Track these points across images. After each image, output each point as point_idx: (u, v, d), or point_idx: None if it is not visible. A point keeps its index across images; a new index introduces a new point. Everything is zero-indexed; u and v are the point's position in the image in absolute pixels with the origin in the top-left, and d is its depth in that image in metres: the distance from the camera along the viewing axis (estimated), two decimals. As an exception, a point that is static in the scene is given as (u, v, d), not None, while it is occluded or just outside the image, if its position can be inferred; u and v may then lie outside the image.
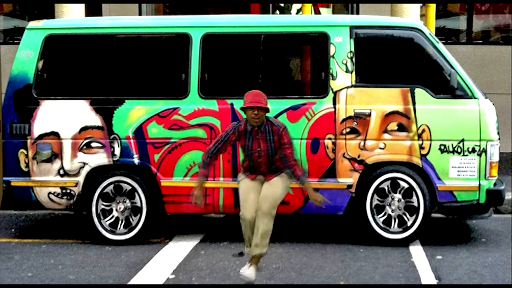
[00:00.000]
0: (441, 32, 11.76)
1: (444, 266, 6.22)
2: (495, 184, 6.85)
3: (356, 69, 6.82)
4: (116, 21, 7.32)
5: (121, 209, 6.98)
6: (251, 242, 5.64)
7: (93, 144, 6.95)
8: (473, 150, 6.70)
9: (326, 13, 12.69)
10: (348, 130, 6.78)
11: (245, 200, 5.62)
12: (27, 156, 6.99)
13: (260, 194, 5.62)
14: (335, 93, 6.81)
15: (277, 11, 13.38)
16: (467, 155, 6.70)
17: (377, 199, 6.85)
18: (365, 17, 7.53)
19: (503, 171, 9.70)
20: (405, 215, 6.85)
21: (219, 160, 6.76)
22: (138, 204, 6.99)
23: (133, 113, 6.93)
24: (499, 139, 6.85)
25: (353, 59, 6.82)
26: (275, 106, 6.79)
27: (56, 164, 6.97)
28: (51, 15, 10.27)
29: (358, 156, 6.78)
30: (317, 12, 11.80)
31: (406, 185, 6.80)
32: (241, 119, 5.79)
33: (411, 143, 6.74)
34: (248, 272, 5.57)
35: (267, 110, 5.56)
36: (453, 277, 5.91)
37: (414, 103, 6.73)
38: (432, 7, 9.22)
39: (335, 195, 6.82)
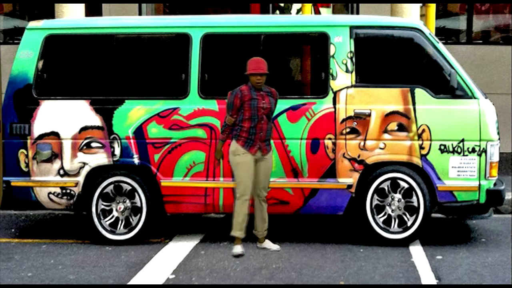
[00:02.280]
0: (441, 32, 11.76)
1: (444, 266, 6.22)
2: (495, 184, 6.85)
3: (356, 69, 6.83)
4: (116, 21, 7.32)
5: (121, 209, 6.98)
6: (243, 225, 6.45)
7: (93, 144, 6.95)
8: (473, 150, 6.70)
9: (326, 13, 12.70)
10: (348, 130, 6.78)
11: (246, 180, 6.42)
12: (27, 156, 6.99)
13: (258, 178, 6.49)
14: (335, 93, 6.81)
15: (277, 11, 13.38)
16: (467, 155, 6.70)
17: (377, 199, 6.85)
18: (365, 17, 7.53)
19: (503, 171, 9.71)
20: (405, 215, 6.85)
21: (219, 160, 6.76)
22: (138, 204, 6.99)
23: (133, 113, 6.93)
24: (499, 139, 6.85)
25: (353, 59, 6.82)
26: (275, 106, 6.80)
27: (56, 164, 6.98)
28: (51, 15, 10.28)
29: (358, 156, 6.78)
30: (317, 12, 11.80)
31: (406, 185, 6.80)
32: (236, 89, 6.45)
33: (411, 143, 6.74)
34: (269, 245, 6.70)
35: (267, 74, 6.44)
36: (453, 277, 5.91)
37: (414, 103, 6.73)
38: (432, 7, 9.22)
39: (335, 195, 6.83)
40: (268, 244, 6.72)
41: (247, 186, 6.42)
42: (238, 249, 6.50)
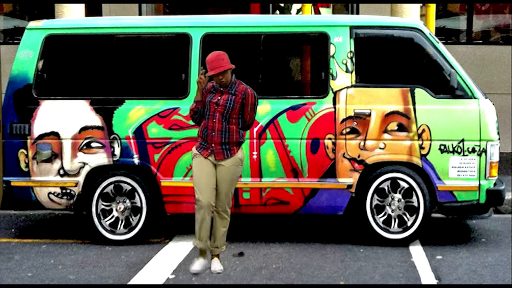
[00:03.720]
0: (441, 32, 11.76)
1: (444, 266, 6.22)
2: (495, 184, 6.85)
3: (356, 69, 6.82)
4: (116, 21, 7.32)
5: (121, 209, 6.98)
6: (201, 234, 5.83)
7: (93, 144, 6.95)
8: (473, 150, 6.70)
9: (326, 13, 12.69)
10: (348, 130, 6.78)
11: (200, 183, 5.83)
12: (27, 156, 6.99)
13: (216, 186, 5.84)
14: (335, 93, 6.81)
15: (277, 11, 13.38)
16: (467, 155, 6.70)
17: (377, 199, 6.85)
18: (365, 17, 7.53)
19: (503, 171, 9.70)
20: (405, 215, 6.85)
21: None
22: (138, 204, 6.99)
23: (133, 113, 6.93)
24: (499, 139, 6.85)
25: (353, 59, 6.82)
26: (275, 106, 6.80)
27: (56, 164, 6.97)
28: (51, 15, 10.27)
29: (358, 156, 6.78)
30: (317, 12, 11.80)
31: (406, 185, 6.80)
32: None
33: (411, 143, 6.74)
34: (214, 266, 5.96)
35: (230, 68, 5.75)
36: (453, 277, 5.91)
37: (414, 103, 6.73)
38: (432, 7, 9.23)
39: (335, 195, 6.82)
40: (213, 262, 5.98)
41: (200, 190, 5.79)
42: (195, 265, 5.88)
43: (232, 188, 5.98)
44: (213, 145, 5.83)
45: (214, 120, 5.80)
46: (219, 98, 5.80)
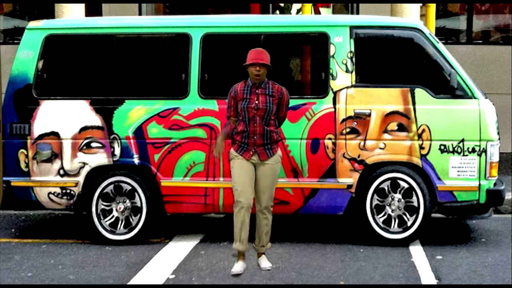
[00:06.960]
0: (441, 32, 11.77)
1: (444, 266, 6.22)
2: (495, 184, 6.86)
3: (356, 69, 6.83)
4: (116, 21, 7.32)
5: (121, 209, 6.98)
6: (242, 236, 5.74)
7: (93, 144, 6.95)
8: (473, 150, 6.70)
9: (326, 13, 12.70)
10: (348, 130, 6.78)
11: (241, 184, 5.73)
12: (27, 156, 6.99)
13: (257, 185, 5.79)
14: (335, 93, 6.81)
15: (277, 11, 13.39)
16: (467, 155, 6.71)
17: (377, 199, 6.85)
18: (365, 17, 7.53)
19: (503, 171, 9.70)
20: (405, 215, 6.85)
21: (219, 160, 6.75)
22: (138, 204, 6.99)
23: (133, 113, 6.93)
24: (499, 139, 6.85)
25: (353, 59, 6.82)
26: (275, 106, 6.79)
27: (56, 164, 6.98)
28: (51, 15, 10.28)
29: (358, 156, 6.79)
30: (317, 12, 11.80)
31: (406, 185, 6.80)
32: (233, 86, 5.90)
33: (411, 143, 6.74)
34: (262, 262, 5.94)
35: (269, 67, 5.77)
36: (453, 277, 5.91)
37: (414, 103, 6.74)
38: (432, 7, 9.23)
39: (335, 195, 6.83)
40: (261, 260, 5.98)
41: (241, 192, 5.71)
42: (236, 267, 5.84)
43: (274, 186, 5.89)
44: (255, 147, 5.77)
45: (255, 125, 5.76)
46: (257, 102, 5.75)
